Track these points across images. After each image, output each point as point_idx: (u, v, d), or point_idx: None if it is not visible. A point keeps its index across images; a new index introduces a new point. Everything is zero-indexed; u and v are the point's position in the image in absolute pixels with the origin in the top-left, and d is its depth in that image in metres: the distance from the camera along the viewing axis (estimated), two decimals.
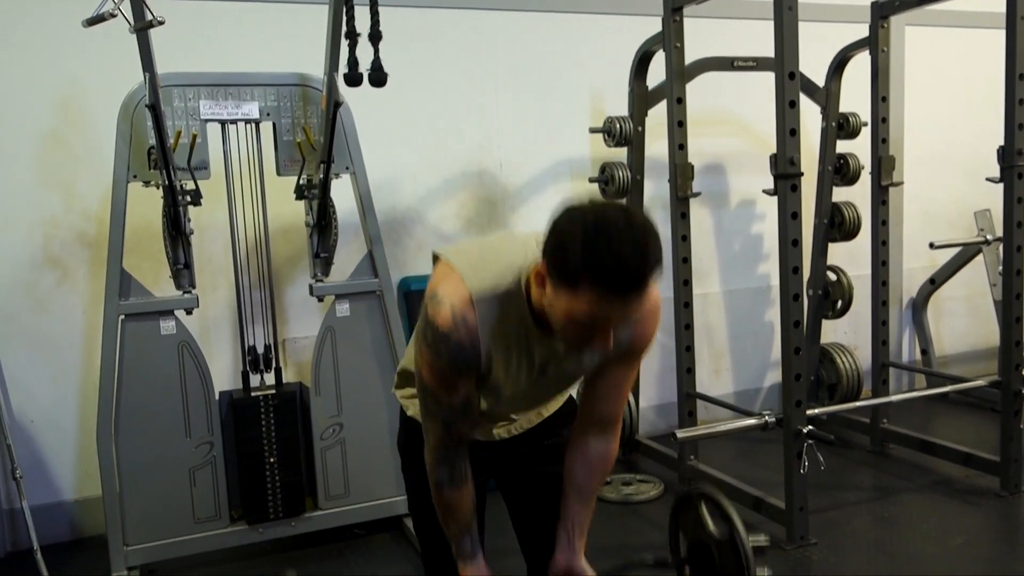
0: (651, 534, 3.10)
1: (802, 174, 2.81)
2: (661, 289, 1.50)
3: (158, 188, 2.80)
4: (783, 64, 2.74)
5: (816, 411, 2.94)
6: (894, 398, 3.39)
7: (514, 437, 1.72)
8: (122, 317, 2.77)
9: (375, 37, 2.43)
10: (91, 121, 3.19)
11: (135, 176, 2.76)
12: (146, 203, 3.02)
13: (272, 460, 2.97)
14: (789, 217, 2.79)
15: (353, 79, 2.48)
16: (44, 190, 3.18)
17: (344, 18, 2.49)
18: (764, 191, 3.03)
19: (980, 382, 3.40)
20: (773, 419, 2.93)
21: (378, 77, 2.48)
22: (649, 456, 3.73)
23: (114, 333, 2.76)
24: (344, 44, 2.55)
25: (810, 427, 2.85)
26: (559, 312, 1.34)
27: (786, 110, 2.75)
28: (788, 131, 2.76)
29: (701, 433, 2.88)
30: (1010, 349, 3.25)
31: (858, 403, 3.55)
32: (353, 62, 2.46)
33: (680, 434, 2.83)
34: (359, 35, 2.45)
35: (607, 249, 1.25)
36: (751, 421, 2.92)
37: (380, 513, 3.15)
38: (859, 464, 3.76)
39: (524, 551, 1.86)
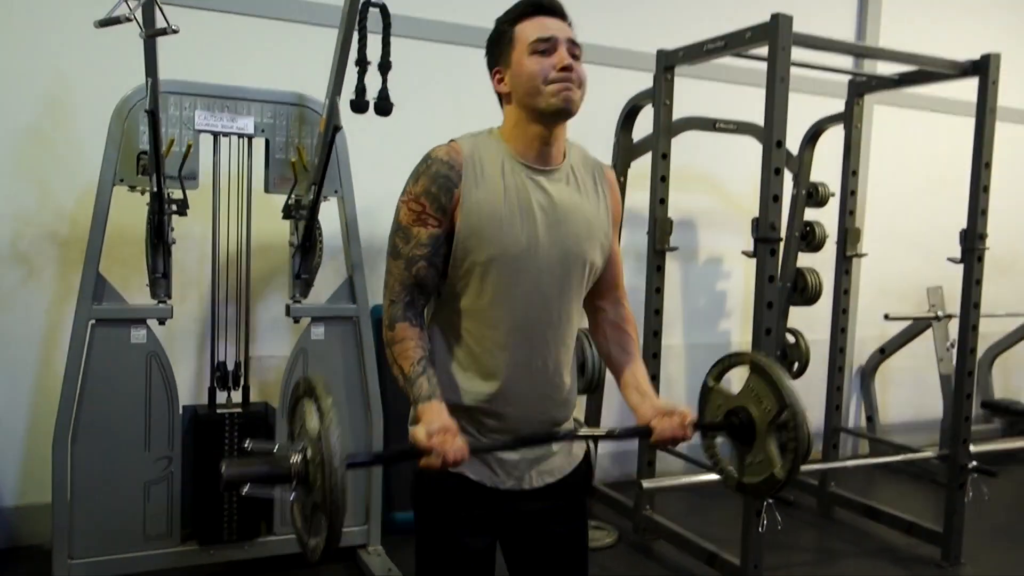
0: None
1: (781, 239, 2.90)
2: None
3: (143, 194, 2.76)
4: (772, 132, 2.84)
5: None
6: (849, 463, 3.49)
7: (524, 493, 1.63)
8: (92, 322, 2.70)
9: (385, 67, 2.46)
10: (76, 119, 3.13)
11: (121, 180, 2.72)
12: (122, 208, 2.96)
13: None
14: (766, 280, 2.87)
15: (359, 106, 2.49)
16: (19, 184, 3.10)
17: (354, 45, 2.50)
18: (743, 252, 3.12)
19: (929, 454, 3.52)
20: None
21: (384, 107, 2.50)
22: (604, 503, 3.75)
23: (82, 337, 2.69)
24: (350, 70, 2.56)
25: None
26: (523, 67, 1.55)
27: (771, 177, 2.84)
28: (772, 197, 2.85)
29: (666, 484, 2.92)
30: (959, 424, 3.37)
31: (818, 466, 3.63)
32: (361, 89, 2.48)
33: (646, 484, 2.86)
34: (369, 63, 2.47)
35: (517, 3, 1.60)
36: (714, 476, 2.96)
37: None
38: (807, 525, 3.84)
39: None
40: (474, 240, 1.51)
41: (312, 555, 1.42)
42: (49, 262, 3.15)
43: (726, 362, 1.79)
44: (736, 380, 1.77)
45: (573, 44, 1.57)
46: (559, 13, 1.59)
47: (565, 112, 1.57)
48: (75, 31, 3.07)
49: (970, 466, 3.35)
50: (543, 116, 1.56)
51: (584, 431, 1.73)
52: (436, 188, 1.51)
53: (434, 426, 1.43)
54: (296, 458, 1.38)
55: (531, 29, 1.56)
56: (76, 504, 2.72)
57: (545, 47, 1.54)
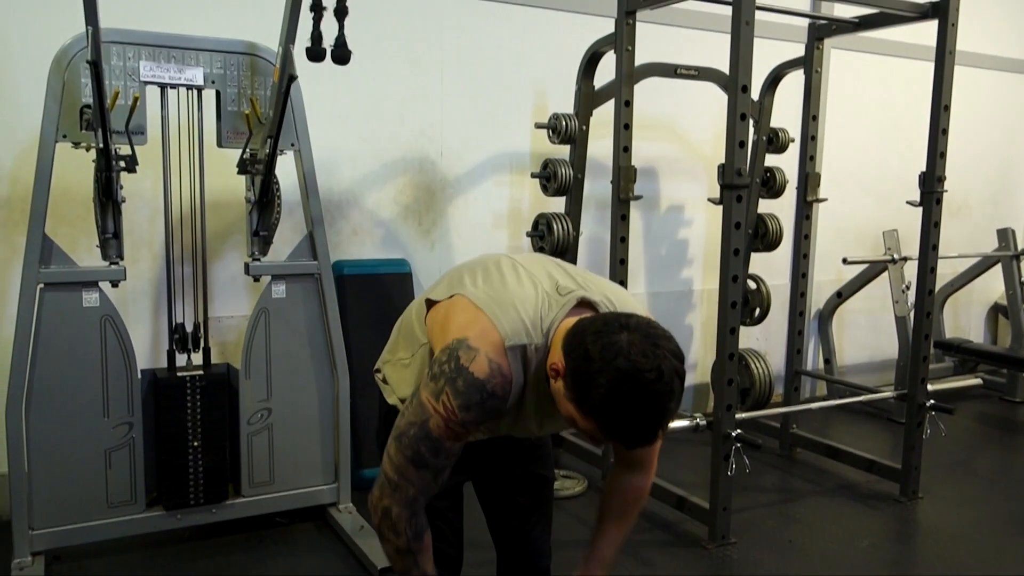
0: (577, 529, 3.14)
1: (748, 185, 2.88)
2: None
3: (88, 150, 2.63)
4: (737, 77, 2.80)
5: (743, 415, 3.04)
6: (813, 406, 3.55)
7: (493, 437, 1.68)
8: (41, 286, 2.59)
9: (341, 12, 2.35)
10: (11, 73, 2.96)
11: (64, 136, 2.58)
12: (66, 165, 2.82)
13: (196, 444, 2.84)
14: (733, 227, 2.86)
15: (316, 54, 2.39)
16: None
17: None
18: (710, 200, 3.10)
19: (888, 394, 3.60)
20: (704, 422, 3.01)
21: (342, 54, 2.40)
22: (572, 452, 3.77)
23: (31, 302, 2.58)
24: (305, 16, 2.45)
25: (739, 431, 2.95)
26: (565, 412, 1.36)
27: (737, 122, 2.82)
28: (737, 143, 2.83)
29: None
30: (917, 364, 3.44)
31: (780, 409, 3.69)
32: (317, 36, 2.37)
33: None
34: (325, 9, 2.36)
35: (627, 406, 1.26)
36: (684, 423, 2.99)
37: (304, 502, 3.07)
38: (769, 467, 3.92)
39: (499, 549, 1.88)
40: None
41: None
42: None
43: None
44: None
45: None
46: (648, 445, 1.35)
47: None
48: None
49: (928, 404, 3.43)
50: None
51: None
52: (485, 417, 1.41)
53: None
54: None
55: (598, 436, 1.35)
56: (35, 473, 2.64)
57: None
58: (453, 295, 1.50)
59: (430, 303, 1.56)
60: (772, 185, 4.15)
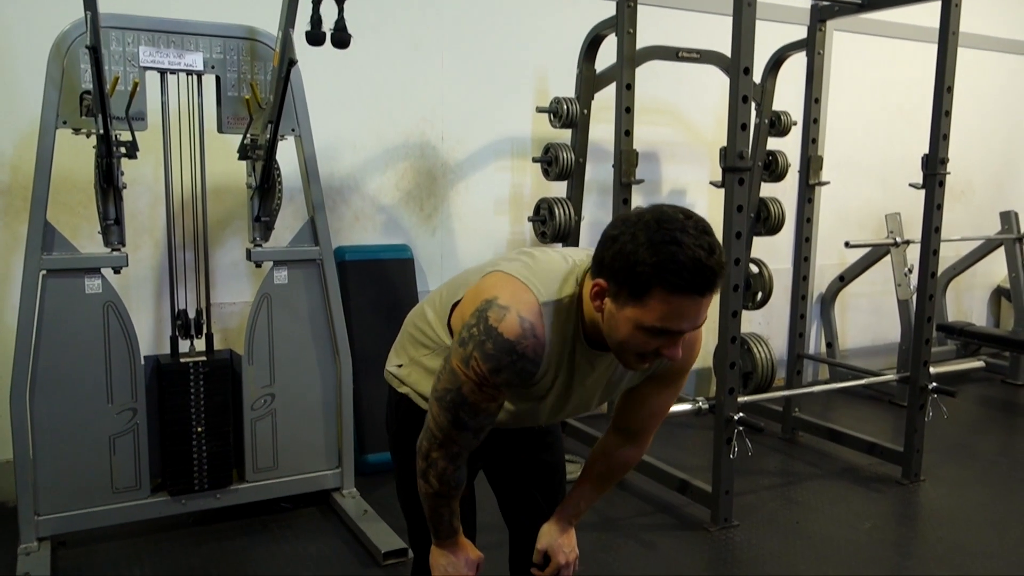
0: None
1: (750, 168, 2.87)
2: None
3: (88, 136, 2.62)
4: (739, 60, 2.79)
5: (745, 399, 3.04)
6: (815, 389, 3.55)
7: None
8: (43, 273, 2.59)
9: None
10: (9, 59, 2.95)
11: (64, 122, 2.57)
12: (66, 152, 2.83)
13: (200, 430, 2.85)
14: (735, 210, 2.86)
15: (315, 38, 2.37)
16: None
17: None
18: (712, 183, 3.10)
19: (890, 377, 3.59)
20: (707, 405, 3.01)
21: (341, 38, 2.39)
22: (575, 436, 3.78)
23: (34, 289, 2.58)
24: (303, 1, 2.44)
25: (741, 414, 2.95)
26: (624, 328, 1.29)
27: (739, 105, 2.81)
28: (739, 126, 2.81)
29: None
30: (920, 346, 3.44)
31: (783, 392, 3.70)
32: (317, 20, 2.35)
33: None
34: None
35: (676, 248, 1.21)
36: (686, 407, 3.00)
37: (308, 487, 3.08)
38: (771, 450, 3.93)
39: (512, 534, 1.87)
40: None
41: None
42: None
43: None
44: None
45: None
46: (713, 290, 1.28)
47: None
48: None
49: (930, 387, 3.43)
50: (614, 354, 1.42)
51: None
52: (517, 379, 1.39)
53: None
54: None
55: (667, 312, 1.25)
56: (39, 459, 2.65)
57: (662, 333, 1.29)
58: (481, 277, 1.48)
59: (455, 305, 1.53)
60: (774, 168, 4.13)
